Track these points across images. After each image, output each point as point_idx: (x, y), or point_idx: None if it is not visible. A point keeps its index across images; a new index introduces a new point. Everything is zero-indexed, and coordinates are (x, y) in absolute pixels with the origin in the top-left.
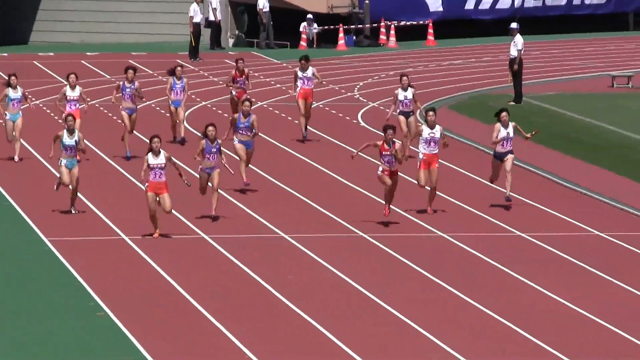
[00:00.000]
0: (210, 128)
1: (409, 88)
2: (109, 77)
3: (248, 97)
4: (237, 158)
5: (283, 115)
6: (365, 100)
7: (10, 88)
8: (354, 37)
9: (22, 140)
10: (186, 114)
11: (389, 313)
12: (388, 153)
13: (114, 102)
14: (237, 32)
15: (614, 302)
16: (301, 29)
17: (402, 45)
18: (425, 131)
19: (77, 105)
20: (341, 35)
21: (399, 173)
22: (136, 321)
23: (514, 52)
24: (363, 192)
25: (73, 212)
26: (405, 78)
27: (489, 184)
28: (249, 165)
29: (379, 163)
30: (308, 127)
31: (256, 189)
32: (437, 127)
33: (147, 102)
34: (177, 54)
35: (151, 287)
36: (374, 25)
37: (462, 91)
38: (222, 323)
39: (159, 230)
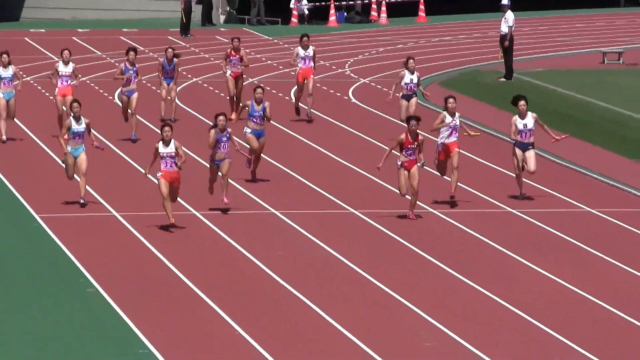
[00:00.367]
0: (221, 117)
1: (415, 72)
2: (100, 53)
3: (260, 84)
4: (247, 146)
5: (274, 91)
6: (356, 77)
7: (1, 67)
8: (345, 14)
9: (16, 120)
10: (177, 90)
11: (383, 293)
12: (413, 146)
13: (117, 78)
14: (228, 9)
15: (606, 280)
16: (292, 6)
17: (393, 21)
18: (448, 119)
19: (69, 81)
20: (332, 11)
21: (418, 164)
22: (126, 298)
23: (504, 29)
24: (357, 170)
25: (82, 201)
26: (412, 61)
27: (514, 175)
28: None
29: (398, 154)
30: (311, 108)
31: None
32: (457, 115)
33: (140, 78)
34: (168, 30)
35: (140, 262)
36: (365, 1)
37: (453, 68)
38: (213, 300)
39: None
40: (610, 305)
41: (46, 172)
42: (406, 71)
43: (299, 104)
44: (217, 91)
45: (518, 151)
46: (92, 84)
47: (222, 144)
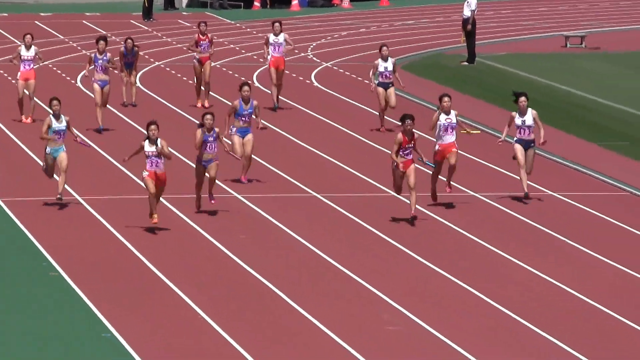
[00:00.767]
0: (208, 117)
1: (389, 58)
2: (62, 37)
3: (247, 80)
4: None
5: (236, 75)
6: (318, 61)
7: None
8: None
9: None
10: (138, 75)
11: (352, 281)
12: (410, 145)
13: (87, 75)
14: None
15: (578, 266)
16: None
17: (355, 5)
18: (442, 117)
19: (32, 65)
20: None
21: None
22: (88, 280)
23: (467, 13)
24: (322, 156)
25: (59, 196)
26: (385, 48)
27: (517, 177)
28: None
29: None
30: (280, 96)
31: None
32: (453, 113)
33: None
34: (130, 14)
35: (102, 247)
36: None
37: (416, 51)
38: (171, 279)
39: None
40: (580, 293)
41: (8, 156)
42: (380, 59)
43: (275, 95)
44: (179, 75)
45: (519, 146)
46: (55, 68)
47: (209, 144)
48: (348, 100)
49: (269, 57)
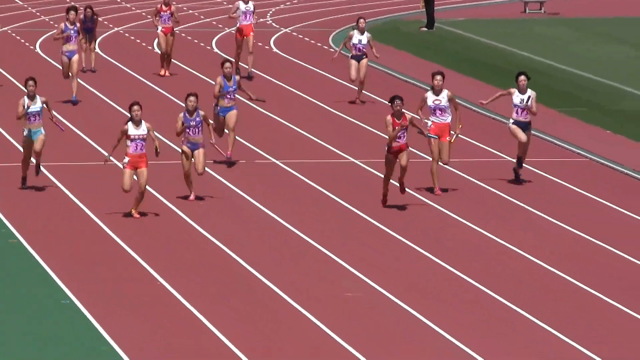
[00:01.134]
0: (192, 98)
1: (365, 32)
2: (21, 3)
3: (228, 58)
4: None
5: (195, 41)
6: (277, 26)
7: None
8: None
9: None
10: (97, 41)
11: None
12: (399, 128)
13: (58, 38)
14: None
15: (520, 224)
16: None
17: None
18: (430, 98)
19: None
20: None
21: (409, 147)
22: (54, 255)
23: None
24: (282, 121)
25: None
26: (362, 20)
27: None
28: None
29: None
30: (251, 67)
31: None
32: (445, 93)
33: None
34: None
35: (67, 217)
36: None
37: (375, 17)
38: (142, 256)
39: (138, 210)
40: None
41: None
42: (355, 31)
43: (240, 63)
44: (138, 40)
45: (515, 127)
46: (14, 34)
47: (192, 128)
48: (307, 65)
49: (237, 25)
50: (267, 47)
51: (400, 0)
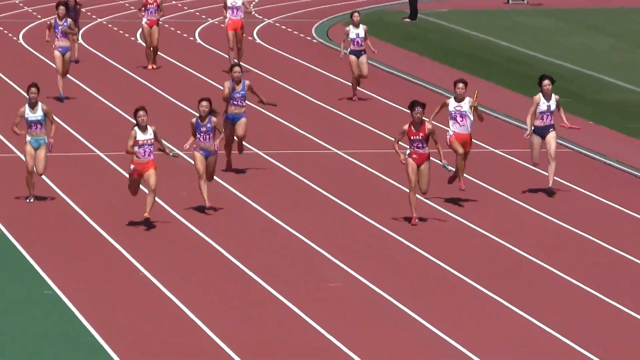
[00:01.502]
0: (204, 103)
1: (361, 25)
2: None
3: (237, 62)
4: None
5: (179, 32)
6: (261, 17)
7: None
8: None
9: None
10: (80, 32)
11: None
12: (418, 137)
13: (48, 41)
14: None
15: (514, 220)
16: None
17: None
18: (452, 104)
19: None
20: None
21: (431, 158)
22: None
23: None
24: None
25: (30, 200)
26: (357, 14)
27: (533, 167)
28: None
29: (406, 146)
30: (239, 61)
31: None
32: (467, 100)
33: (45, 18)
34: None
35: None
36: None
37: (357, 7)
38: (120, 244)
39: (149, 213)
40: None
41: None
42: (351, 26)
43: (235, 59)
44: (121, 32)
45: (537, 139)
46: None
47: (202, 135)
48: (292, 57)
49: (226, 20)
50: (250, 37)
51: None
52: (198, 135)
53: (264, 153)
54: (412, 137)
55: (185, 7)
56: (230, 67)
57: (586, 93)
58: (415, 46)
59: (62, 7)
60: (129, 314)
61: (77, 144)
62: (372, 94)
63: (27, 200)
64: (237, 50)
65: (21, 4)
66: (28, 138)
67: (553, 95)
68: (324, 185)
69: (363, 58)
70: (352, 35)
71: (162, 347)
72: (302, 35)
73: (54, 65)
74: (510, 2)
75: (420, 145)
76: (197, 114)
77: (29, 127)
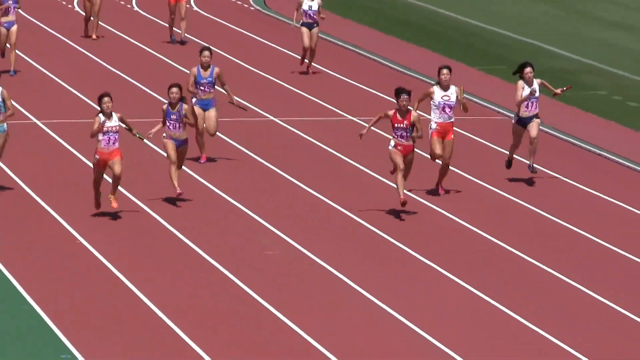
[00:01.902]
0: (174, 90)
1: None
2: None
3: (208, 45)
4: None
5: (122, 3)
6: None
7: None
8: None
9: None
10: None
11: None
12: (402, 125)
13: None
14: None
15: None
16: None
17: None
18: (437, 94)
19: None
20: None
21: (415, 150)
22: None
23: None
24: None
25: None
26: None
27: (508, 152)
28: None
29: (390, 137)
30: (184, 32)
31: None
32: (452, 89)
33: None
34: None
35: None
36: None
37: None
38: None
39: (116, 196)
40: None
41: None
42: None
43: (174, 28)
44: (63, 2)
45: (518, 129)
46: None
47: (173, 122)
48: (230, 25)
49: None
50: (188, 5)
51: None
52: (168, 124)
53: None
54: (396, 125)
55: None
56: (199, 50)
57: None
58: (353, 14)
59: None
60: (88, 304)
61: (18, 115)
62: (321, 67)
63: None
64: (179, 21)
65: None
66: None
67: (535, 81)
68: (262, 153)
69: (315, 30)
70: (304, 7)
71: (122, 339)
72: (239, 2)
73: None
74: None
75: (404, 134)
76: (167, 101)
77: None
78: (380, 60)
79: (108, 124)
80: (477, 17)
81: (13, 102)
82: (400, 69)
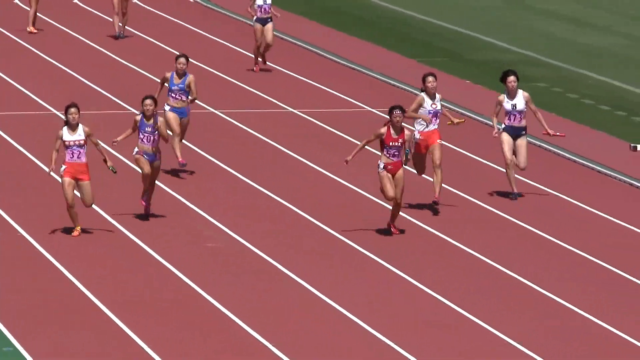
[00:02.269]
0: (148, 102)
1: None
2: None
3: (183, 54)
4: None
5: None
6: None
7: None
8: None
9: None
10: None
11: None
12: (398, 144)
13: None
14: None
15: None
16: None
17: None
18: (426, 102)
19: None
20: None
21: (404, 166)
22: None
23: None
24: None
25: None
26: None
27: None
28: (183, 140)
29: (379, 154)
30: (125, 25)
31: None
32: (438, 97)
33: None
34: None
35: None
36: None
37: None
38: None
39: (80, 227)
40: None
41: None
42: None
43: (119, 24)
44: None
45: (507, 138)
46: None
47: (146, 135)
48: (170, 18)
49: None
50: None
51: None
52: (141, 136)
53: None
54: (390, 144)
55: None
56: (175, 57)
57: (463, 52)
58: (287, 4)
59: None
60: (33, 298)
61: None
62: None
63: None
64: (122, 15)
65: None
66: None
67: (521, 92)
68: (205, 147)
69: (269, 26)
70: (259, 1)
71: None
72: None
73: None
74: None
75: (396, 152)
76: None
77: None
78: (327, 56)
79: (70, 137)
80: (416, 8)
81: None
82: (336, 59)
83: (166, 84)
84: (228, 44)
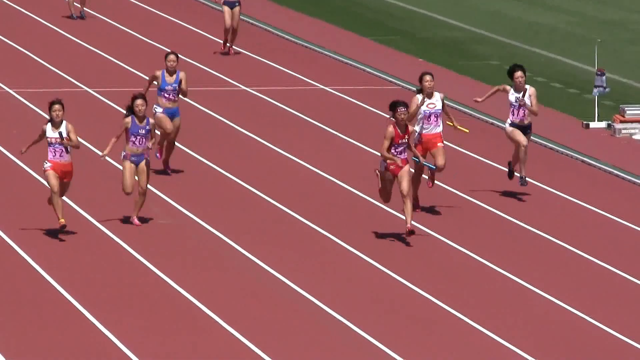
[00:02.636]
0: (139, 102)
1: None
2: None
3: (173, 51)
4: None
5: None
6: None
7: None
8: None
9: None
10: None
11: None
12: (405, 140)
13: None
14: None
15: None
16: None
17: None
18: (424, 102)
19: None
20: None
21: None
22: None
23: None
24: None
25: None
26: None
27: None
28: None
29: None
30: (84, 7)
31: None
32: (437, 95)
33: None
34: None
35: None
36: None
37: None
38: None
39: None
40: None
41: None
42: None
43: (75, 4)
44: None
45: (513, 131)
46: None
47: (139, 138)
48: (147, 7)
49: None
50: None
51: None
52: (132, 139)
53: (97, 92)
54: (399, 142)
55: None
56: (165, 55)
57: (415, 31)
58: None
59: None
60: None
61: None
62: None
63: None
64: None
65: None
66: None
67: (528, 87)
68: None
69: (236, 9)
70: None
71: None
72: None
73: None
74: None
75: (402, 149)
76: (131, 114)
77: None
78: (286, 37)
79: (53, 134)
80: None
81: None
82: (292, 38)
83: (155, 82)
84: (194, 29)
